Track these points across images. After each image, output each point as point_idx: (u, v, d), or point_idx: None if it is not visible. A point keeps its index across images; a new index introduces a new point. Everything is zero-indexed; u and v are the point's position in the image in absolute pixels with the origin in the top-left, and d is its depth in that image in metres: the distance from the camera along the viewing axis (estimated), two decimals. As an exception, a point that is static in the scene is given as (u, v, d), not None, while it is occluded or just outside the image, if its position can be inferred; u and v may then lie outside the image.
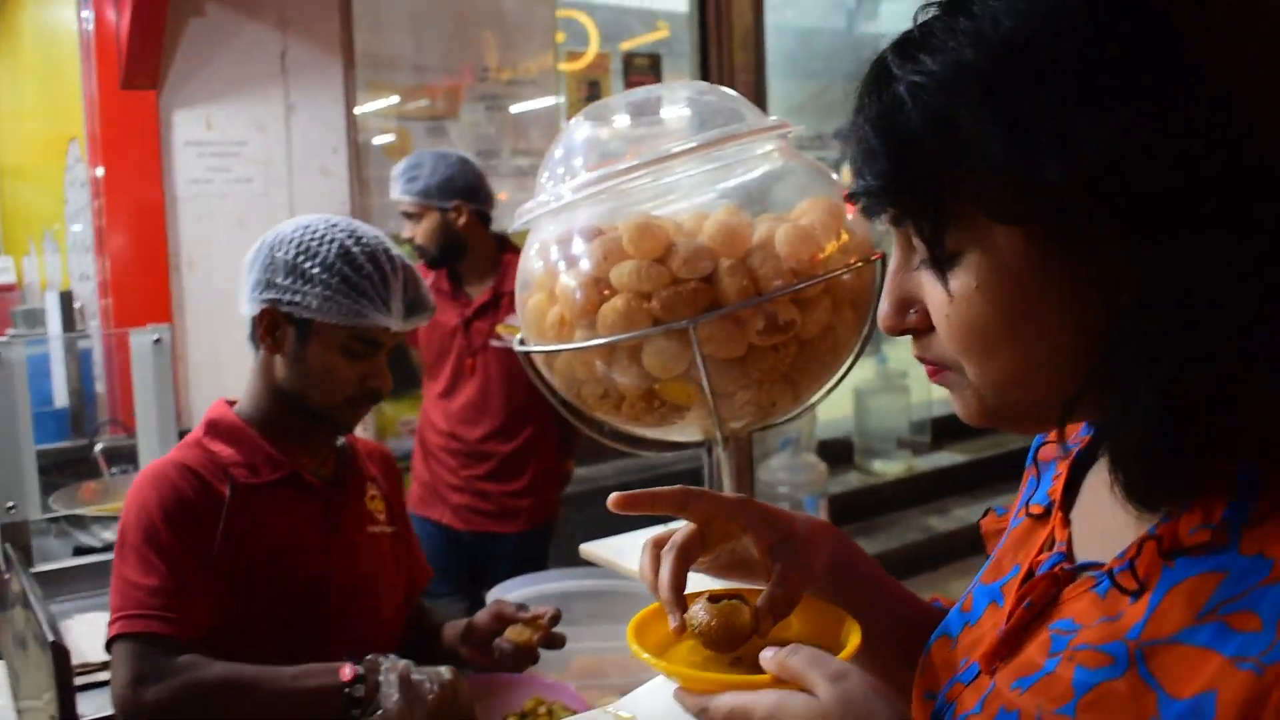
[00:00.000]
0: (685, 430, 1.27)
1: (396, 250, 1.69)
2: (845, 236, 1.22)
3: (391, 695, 1.47)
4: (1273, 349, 0.62)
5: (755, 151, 1.27)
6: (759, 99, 5.35)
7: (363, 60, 4.21)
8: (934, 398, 6.56)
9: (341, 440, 1.79)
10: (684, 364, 1.14)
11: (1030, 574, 0.78)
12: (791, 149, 1.32)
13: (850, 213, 1.25)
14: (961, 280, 0.69)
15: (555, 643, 1.69)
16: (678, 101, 1.33)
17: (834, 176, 1.31)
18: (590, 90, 4.93)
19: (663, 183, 1.21)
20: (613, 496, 0.92)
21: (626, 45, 5.43)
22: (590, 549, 1.59)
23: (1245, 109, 0.61)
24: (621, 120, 1.32)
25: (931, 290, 0.71)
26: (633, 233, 1.15)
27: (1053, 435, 0.79)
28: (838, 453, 5.83)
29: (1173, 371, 0.63)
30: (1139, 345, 0.64)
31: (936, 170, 0.66)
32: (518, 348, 1.29)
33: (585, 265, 1.18)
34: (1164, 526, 0.67)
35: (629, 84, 5.03)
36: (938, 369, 0.75)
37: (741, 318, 1.13)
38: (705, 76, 5.19)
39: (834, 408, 6.07)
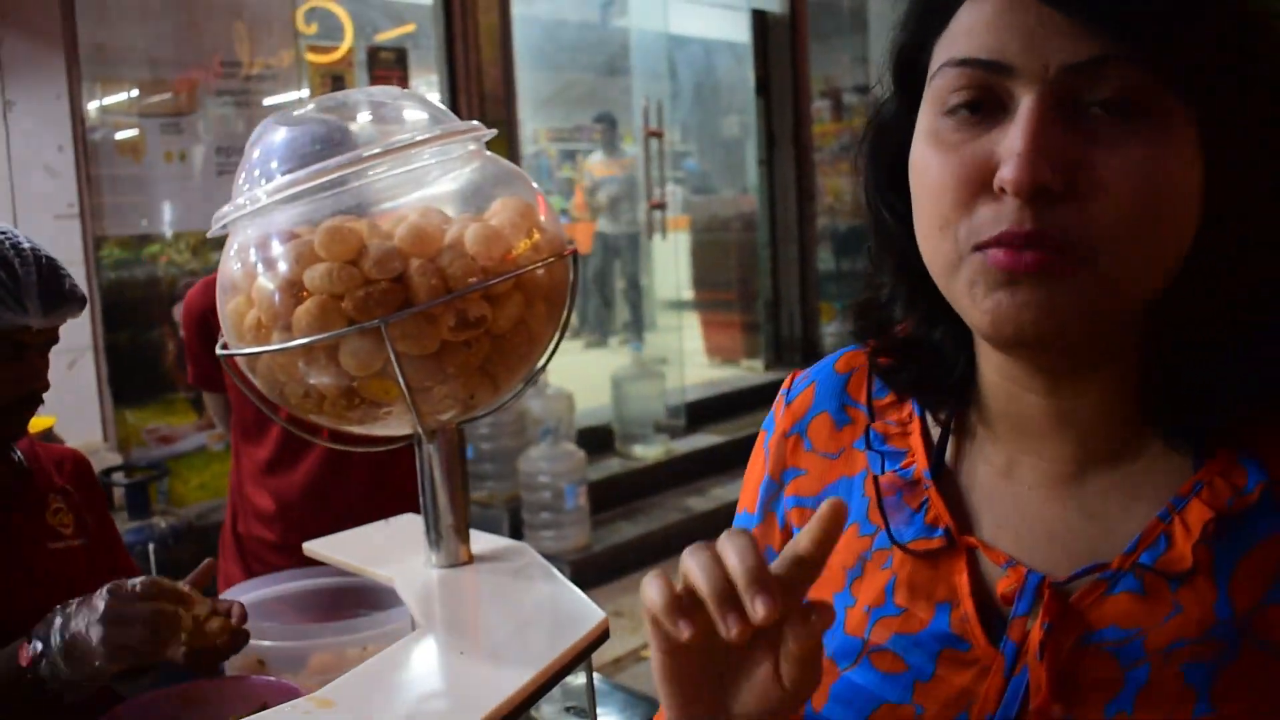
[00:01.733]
0: (391, 425, 1.31)
1: (28, 242, 1.56)
2: (537, 235, 1.28)
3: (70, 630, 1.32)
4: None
5: (454, 154, 1.31)
6: (507, 93, 5.40)
7: (89, 54, 4.04)
8: (687, 383, 6.78)
9: (17, 453, 1.66)
10: (380, 362, 1.18)
11: (984, 604, 0.74)
12: (488, 152, 1.37)
13: (543, 212, 1.31)
14: (1164, 144, 0.63)
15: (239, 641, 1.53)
16: (370, 106, 1.36)
17: (530, 181, 1.37)
18: (334, 84, 4.86)
19: (357, 186, 1.24)
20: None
21: (378, 39, 5.39)
22: (314, 546, 1.60)
23: None
24: (315, 124, 1.34)
25: (1124, 148, 0.62)
26: (324, 236, 1.18)
27: (890, 476, 0.80)
28: (598, 440, 5.95)
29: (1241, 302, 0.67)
30: (1203, 269, 0.66)
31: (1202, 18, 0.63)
32: (220, 351, 1.30)
33: (280, 268, 1.20)
34: (1197, 504, 0.68)
35: (374, 79, 4.99)
36: (1047, 256, 0.63)
37: (432, 315, 1.18)
38: (451, 72, 5.21)
39: (592, 396, 6.20)
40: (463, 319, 1.19)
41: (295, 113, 1.36)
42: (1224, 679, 0.65)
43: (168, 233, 4.28)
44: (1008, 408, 0.76)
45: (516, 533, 5.14)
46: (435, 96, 5.47)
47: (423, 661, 1.19)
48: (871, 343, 0.84)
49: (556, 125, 9.10)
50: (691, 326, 8.01)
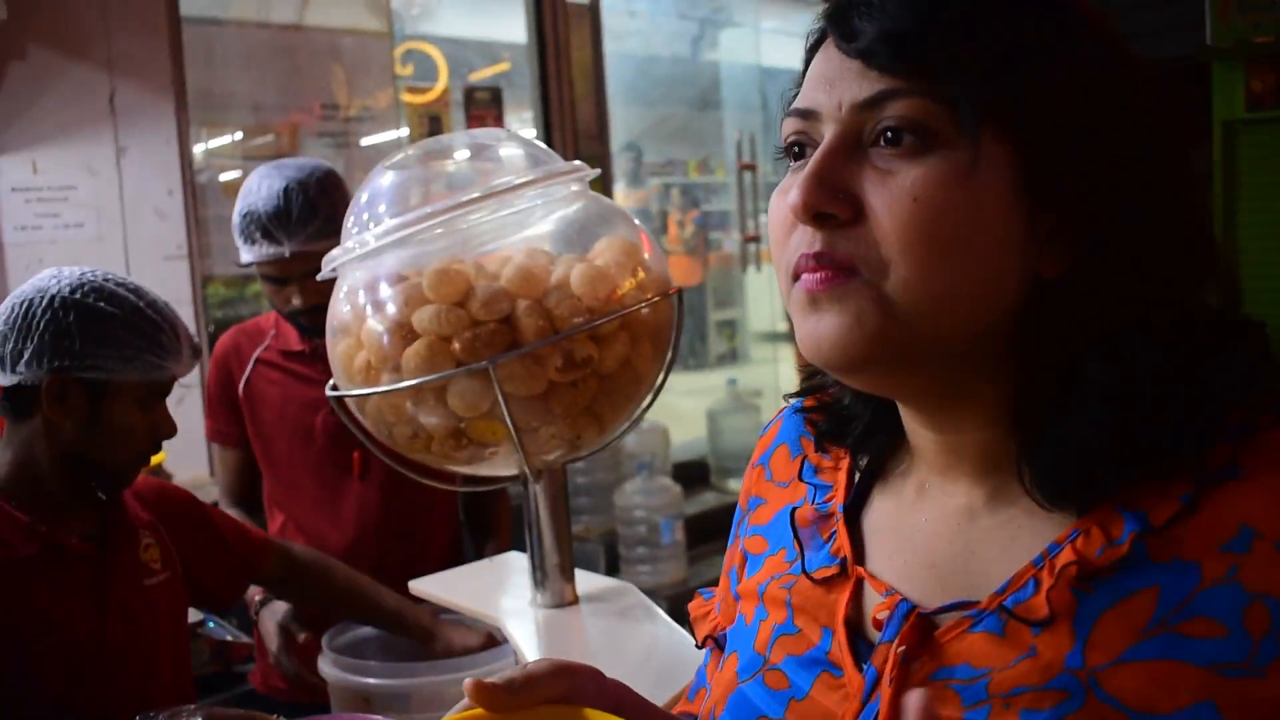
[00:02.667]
0: (497, 465, 1.31)
1: (154, 294, 1.64)
2: (642, 274, 1.28)
3: None
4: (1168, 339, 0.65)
5: (557, 195, 1.32)
6: (600, 128, 5.44)
7: (196, 99, 4.16)
8: (785, 415, 6.71)
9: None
10: (487, 403, 1.19)
11: (855, 633, 0.75)
12: (590, 191, 1.38)
13: (647, 251, 1.31)
14: (940, 166, 0.64)
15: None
16: (472, 148, 1.38)
17: (633, 219, 1.37)
18: (431, 125, 4.95)
19: (464, 228, 1.26)
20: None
21: (472, 78, 5.48)
22: (420, 585, 1.61)
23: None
24: (422, 167, 1.36)
25: (896, 177, 0.65)
26: (432, 278, 1.19)
27: (806, 508, 0.81)
28: (693, 474, 5.92)
29: (1081, 351, 0.65)
30: (1048, 321, 0.66)
31: (975, 40, 0.65)
32: (329, 393, 1.32)
33: (390, 311, 1.22)
34: (1068, 552, 0.66)
35: (470, 118, 5.06)
36: (834, 274, 0.66)
37: (540, 356, 1.18)
38: (546, 109, 5.26)
39: (688, 430, 6.18)
40: (569, 359, 1.19)
41: (401, 157, 1.38)
42: None
43: (271, 271, 4.37)
44: (915, 444, 0.78)
45: (613, 567, 5.14)
46: (530, 133, 5.55)
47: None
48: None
49: (650, 160, 9.16)
50: (786, 359, 7.96)
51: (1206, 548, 0.62)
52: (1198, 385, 0.65)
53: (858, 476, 0.83)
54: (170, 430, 1.65)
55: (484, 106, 5.22)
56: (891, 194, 0.65)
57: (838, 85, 0.68)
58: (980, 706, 0.65)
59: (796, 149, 0.71)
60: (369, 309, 1.24)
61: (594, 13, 5.45)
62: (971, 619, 0.68)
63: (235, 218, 2.10)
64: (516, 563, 1.55)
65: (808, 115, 0.70)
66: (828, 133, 0.68)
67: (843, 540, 0.79)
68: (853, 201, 0.66)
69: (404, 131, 4.89)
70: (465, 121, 5.15)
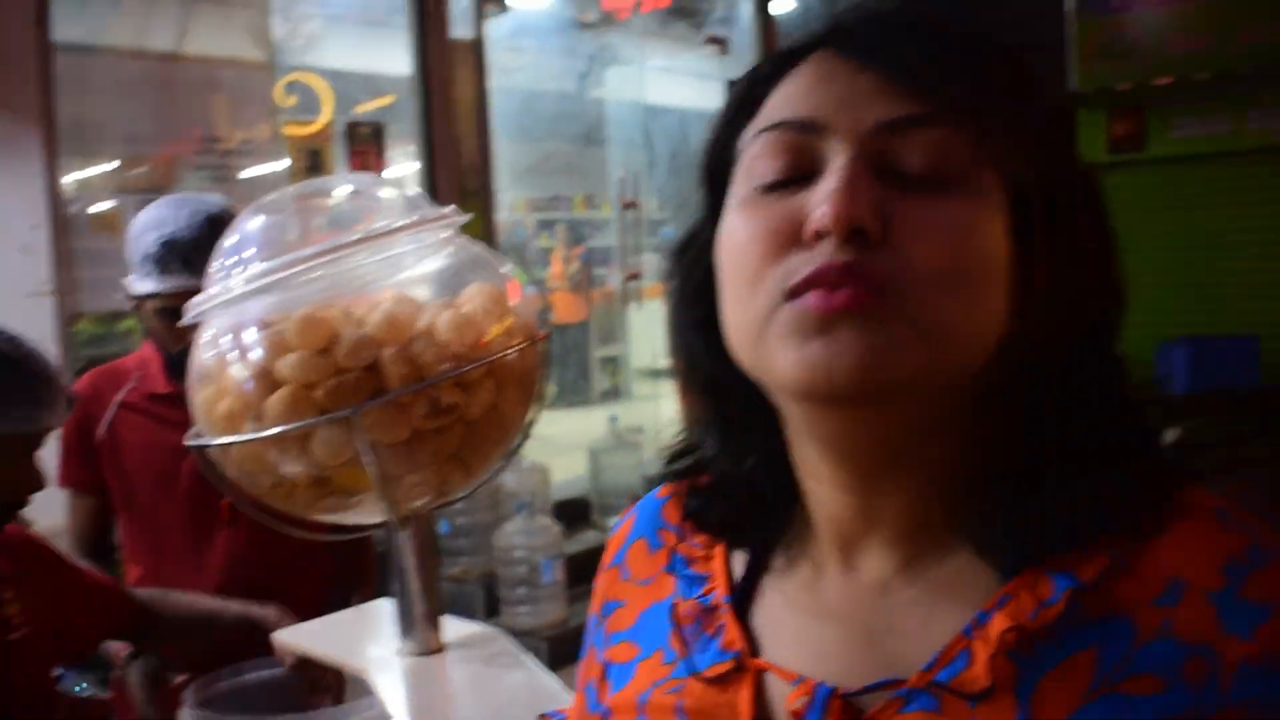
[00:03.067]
0: (363, 513, 1.31)
1: (28, 343, 1.60)
2: (509, 320, 1.29)
3: None
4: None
5: (428, 241, 1.33)
6: (484, 164, 5.45)
7: (67, 130, 4.06)
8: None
9: None
10: (351, 451, 1.18)
11: None
12: (462, 237, 1.39)
13: (515, 297, 1.33)
14: (970, 204, 0.64)
15: None
16: (345, 192, 1.38)
17: (500, 265, 1.38)
18: (312, 159, 4.90)
19: (333, 274, 1.25)
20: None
21: (357, 110, 5.44)
22: (285, 636, 1.59)
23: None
24: (292, 211, 1.35)
25: (931, 205, 0.63)
26: (297, 325, 1.19)
27: (688, 606, 0.76)
28: (575, 512, 5.91)
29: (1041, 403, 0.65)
30: (1007, 374, 0.65)
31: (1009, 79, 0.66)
32: (191, 442, 1.30)
33: (253, 357, 1.21)
34: (1000, 618, 0.64)
35: (352, 153, 5.03)
36: (865, 292, 0.62)
37: (404, 403, 1.18)
38: (429, 144, 5.25)
39: (569, 467, 6.18)
40: (435, 406, 1.19)
41: (271, 199, 1.37)
42: None
43: (142, 306, 4.27)
44: (818, 514, 0.73)
45: (492, 609, 5.09)
46: (414, 167, 5.52)
47: (394, 754, 1.18)
48: (685, 483, 0.82)
49: (535, 195, 9.18)
50: (667, 396, 8.02)
51: (1138, 603, 0.62)
52: (1147, 442, 0.67)
53: (743, 566, 0.78)
54: (39, 484, 1.61)
55: (366, 141, 5.19)
56: (939, 223, 0.62)
57: (854, 101, 0.64)
58: None
59: (784, 176, 0.67)
60: (232, 355, 1.23)
61: (479, 48, 5.46)
62: (902, 698, 0.64)
63: (149, 247, 2.03)
64: (383, 611, 1.54)
65: (808, 127, 0.66)
66: (843, 151, 0.64)
67: (734, 632, 0.74)
68: (888, 222, 0.62)
69: (285, 164, 4.83)
70: (347, 156, 5.11)
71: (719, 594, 0.76)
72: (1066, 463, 0.64)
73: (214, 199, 2.12)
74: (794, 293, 0.63)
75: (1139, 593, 0.62)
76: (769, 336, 0.65)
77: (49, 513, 3.55)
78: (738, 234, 0.67)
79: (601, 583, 0.88)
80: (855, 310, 0.61)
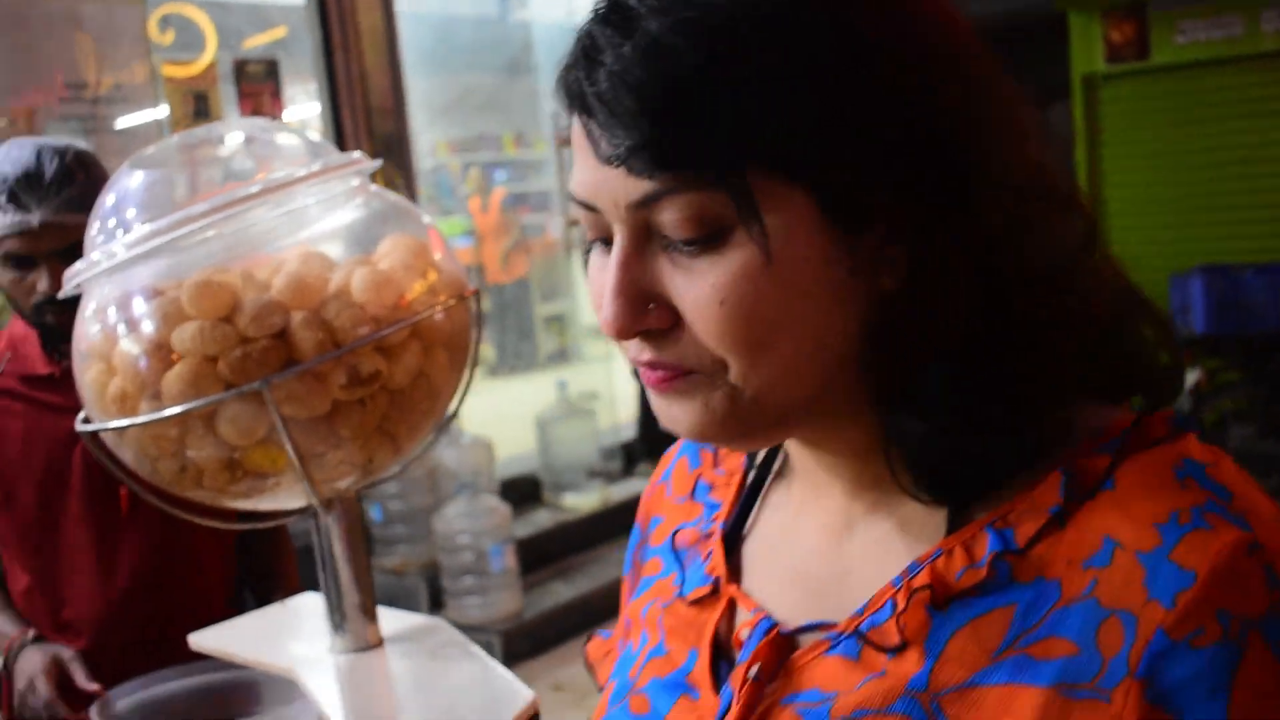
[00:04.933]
0: (281, 498, 1.33)
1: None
2: (433, 275, 1.31)
3: None
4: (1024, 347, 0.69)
5: (335, 191, 1.34)
6: (396, 102, 5.43)
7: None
8: (621, 421, 6.81)
9: None
10: (263, 429, 1.21)
11: (721, 655, 0.81)
12: (374, 186, 1.40)
13: (438, 250, 1.35)
14: (737, 259, 0.67)
15: None
16: (238, 140, 1.39)
17: (421, 214, 1.40)
18: (197, 103, 4.86)
19: (229, 233, 1.27)
20: None
21: (245, 46, 5.39)
22: (202, 639, 1.61)
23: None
24: (177, 165, 1.36)
25: (695, 278, 0.69)
26: (192, 291, 1.20)
27: (689, 530, 0.90)
28: (524, 491, 5.96)
29: (931, 361, 0.69)
30: (899, 333, 0.69)
31: (722, 119, 0.66)
32: (80, 427, 1.32)
33: (145, 330, 1.22)
34: (925, 574, 0.70)
35: (242, 95, 4.99)
36: (672, 375, 0.72)
37: (320, 373, 1.20)
38: (332, 82, 5.22)
39: (516, 442, 6.21)
40: (354, 375, 1.22)
41: (152, 152, 1.38)
42: None
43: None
44: (796, 461, 0.85)
45: (436, 603, 5.13)
46: (315, 109, 5.49)
47: (332, 762, 1.21)
48: None
49: (457, 135, 9.13)
50: (621, 357, 8.04)
51: (1069, 564, 0.66)
52: (1057, 380, 0.70)
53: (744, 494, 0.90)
54: None
55: (258, 81, 5.15)
56: (698, 298, 0.69)
57: (603, 183, 0.70)
58: None
59: (590, 228, 0.74)
60: (121, 329, 1.25)
61: (383, -31, 5.43)
62: (829, 641, 0.74)
63: None
64: (312, 605, 1.56)
65: (589, 207, 0.72)
66: (616, 232, 0.71)
67: (718, 559, 0.86)
68: (666, 307, 0.71)
69: (164, 111, 4.78)
70: (237, 98, 5.07)
71: (718, 521, 0.89)
72: (972, 405, 0.70)
73: (53, 139, 2.09)
74: (634, 365, 0.75)
75: (1072, 552, 0.67)
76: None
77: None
78: (591, 294, 0.77)
79: (648, 495, 1.01)
80: (670, 391, 0.73)
